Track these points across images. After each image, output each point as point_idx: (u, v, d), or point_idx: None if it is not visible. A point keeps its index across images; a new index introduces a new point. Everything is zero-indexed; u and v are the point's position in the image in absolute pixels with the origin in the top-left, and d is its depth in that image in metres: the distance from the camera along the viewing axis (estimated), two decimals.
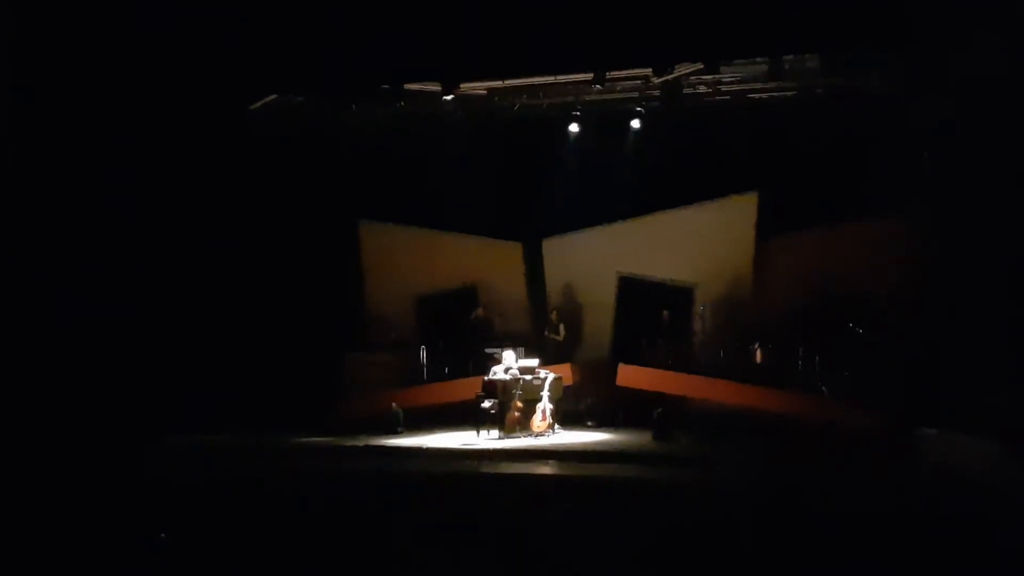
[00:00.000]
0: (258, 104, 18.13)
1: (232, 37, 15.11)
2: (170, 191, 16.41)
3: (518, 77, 17.77)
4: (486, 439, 15.54)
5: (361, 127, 19.36)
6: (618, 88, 18.23)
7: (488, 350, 17.51)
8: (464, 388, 17.11)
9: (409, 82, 17.76)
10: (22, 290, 14.63)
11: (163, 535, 9.18)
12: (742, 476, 12.98)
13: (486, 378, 15.97)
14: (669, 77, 17.27)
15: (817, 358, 16.57)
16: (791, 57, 16.76)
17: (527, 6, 14.42)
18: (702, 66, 16.91)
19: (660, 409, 15.71)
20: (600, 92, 18.15)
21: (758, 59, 16.84)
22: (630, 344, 18.16)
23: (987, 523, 9.61)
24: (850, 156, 16.34)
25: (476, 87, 18.32)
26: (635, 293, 18.98)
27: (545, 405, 15.80)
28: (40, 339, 14.90)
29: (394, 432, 16.46)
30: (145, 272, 16.04)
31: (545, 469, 13.84)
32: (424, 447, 15.29)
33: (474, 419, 15.87)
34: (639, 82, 17.86)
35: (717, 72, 17.17)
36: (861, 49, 15.57)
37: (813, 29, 13.99)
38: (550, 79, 17.80)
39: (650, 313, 18.16)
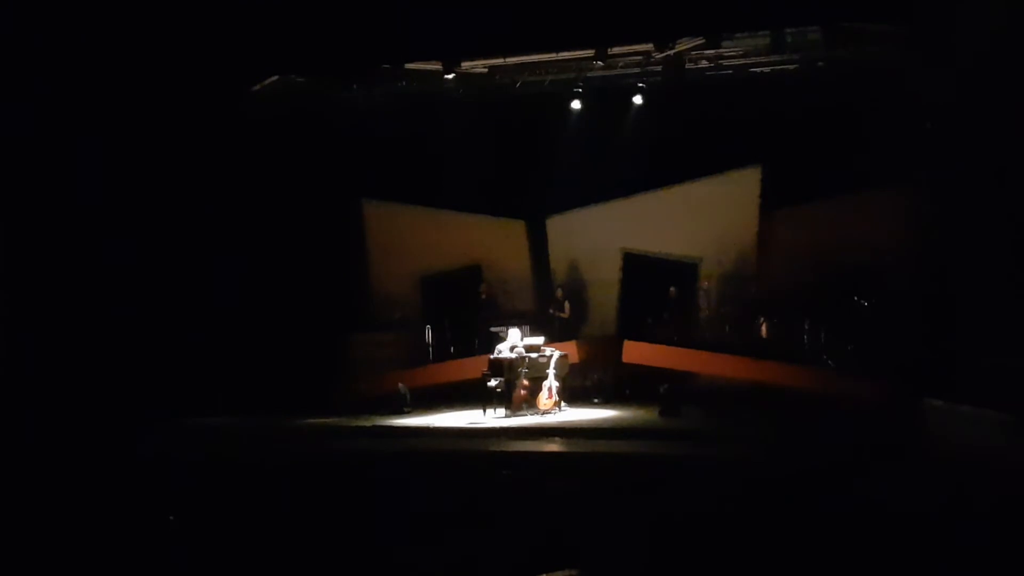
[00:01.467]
0: (260, 85, 18.10)
1: (234, 19, 15.09)
2: (174, 175, 16.42)
3: (519, 54, 17.71)
4: (493, 417, 15.58)
5: (363, 107, 19.33)
6: (620, 64, 18.18)
7: (493, 328, 17.53)
8: (470, 367, 17.12)
9: (410, 61, 17.71)
10: (26, 271, 14.74)
11: (171, 518, 9.21)
12: (749, 450, 13.00)
13: (492, 356, 15.98)
14: (671, 52, 17.22)
15: (822, 331, 16.58)
16: (793, 30, 16.71)
17: None
18: (703, 41, 16.85)
19: (666, 385, 15.75)
20: (602, 68, 18.12)
21: (760, 33, 16.78)
22: (635, 320, 18.19)
23: (995, 494, 9.63)
24: (853, 128, 16.28)
25: (477, 65, 18.27)
26: (640, 269, 18.98)
27: (551, 383, 15.83)
28: (46, 321, 14.99)
29: (401, 412, 16.49)
30: (149, 256, 16.08)
31: (552, 446, 13.87)
32: (431, 426, 15.34)
33: (480, 398, 15.89)
34: (641, 58, 17.80)
35: (719, 47, 17.11)
36: (862, 21, 15.50)
37: (814, 1, 13.93)
38: (551, 56, 17.74)
39: (655, 289, 18.15)
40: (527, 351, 15.91)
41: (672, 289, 17.99)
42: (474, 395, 16.24)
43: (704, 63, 17.81)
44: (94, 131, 15.19)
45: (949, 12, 13.28)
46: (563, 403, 16.07)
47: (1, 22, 14.24)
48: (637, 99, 18.42)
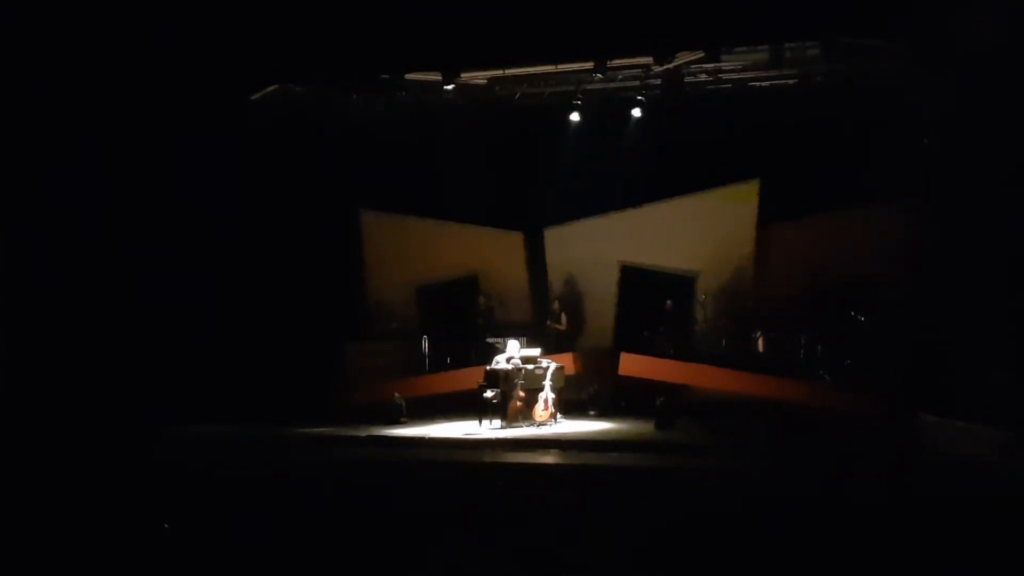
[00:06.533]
0: (259, 94, 18.12)
1: (233, 27, 15.11)
2: (172, 183, 16.44)
3: (519, 66, 17.73)
4: (488, 429, 15.55)
5: (362, 117, 19.36)
6: (619, 77, 18.21)
7: (490, 340, 17.52)
8: (466, 378, 17.11)
9: (409, 71, 17.74)
10: (30, 286, 14.74)
11: (165, 525, 9.20)
12: (744, 464, 12.99)
13: (488, 368, 15.96)
14: (670, 66, 17.26)
15: (819, 345, 16.58)
16: (792, 45, 16.75)
17: None
18: (703, 54, 16.89)
19: (662, 398, 15.72)
20: (601, 81, 18.15)
21: (759, 47, 16.82)
22: (632, 333, 18.17)
23: (988, 509, 9.63)
24: (851, 143, 16.32)
25: (477, 76, 18.29)
26: (637, 282, 18.96)
27: (547, 394, 15.81)
28: (47, 330, 14.99)
29: (397, 422, 16.47)
30: (148, 265, 16.08)
31: (547, 458, 13.83)
32: (426, 437, 15.31)
33: (476, 409, 15.87)
34: (640, 70, 17.84)
35: (718, 60, 17.16)
36: (861, 37, 15.54)
37: (813, 16, 13.97)
38: (551, 68, 17.76)
39: (652, 302, 18.14)
40: (523, 363, 15.90)
41: (669, 302, 18.00)
42: (470, 406, 16.21)
43: (703, 76, 17.84)
44: (94, 132, 15.21)
45: (948, 28, 13.32)
46: (559, 415, 16.04)
47: (1, 22, 14.26)
48: (636, 112, 18.43)
